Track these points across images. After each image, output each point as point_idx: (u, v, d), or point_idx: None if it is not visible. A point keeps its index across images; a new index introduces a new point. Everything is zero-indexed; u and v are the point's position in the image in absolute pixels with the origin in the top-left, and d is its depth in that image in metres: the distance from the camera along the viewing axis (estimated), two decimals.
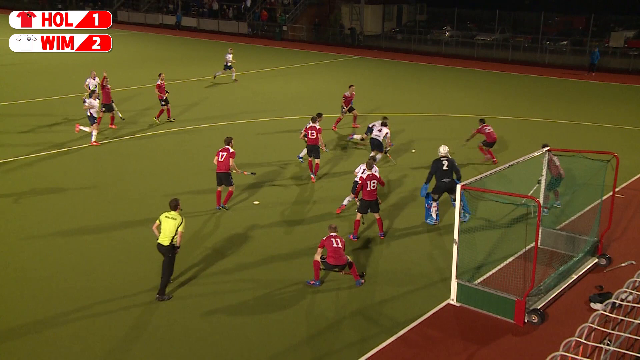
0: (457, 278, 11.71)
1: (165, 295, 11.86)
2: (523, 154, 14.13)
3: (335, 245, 11.89)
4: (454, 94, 32.09)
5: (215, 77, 33.74)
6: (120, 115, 23.91)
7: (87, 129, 21.53)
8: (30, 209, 15.91)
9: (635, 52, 43.83)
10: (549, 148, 14.39)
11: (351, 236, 14.44)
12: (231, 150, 15.81)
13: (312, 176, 18.35)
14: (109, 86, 23.27)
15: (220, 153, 15.77)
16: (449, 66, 42.80)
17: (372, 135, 19.60)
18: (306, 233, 14.76)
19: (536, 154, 13.79)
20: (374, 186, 14.20)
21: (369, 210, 14.42)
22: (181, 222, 11.68)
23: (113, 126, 23.50)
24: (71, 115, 24.92)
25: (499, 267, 13.14)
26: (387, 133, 19.47)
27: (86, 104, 21.53)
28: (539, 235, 12.08)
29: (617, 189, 14.86)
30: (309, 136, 18.23)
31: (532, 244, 11.91)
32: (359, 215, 14.46)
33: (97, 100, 21.58)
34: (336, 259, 11.94)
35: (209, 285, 12.33)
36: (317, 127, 18.26)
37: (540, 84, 36.50)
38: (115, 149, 21.17)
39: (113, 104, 23.33)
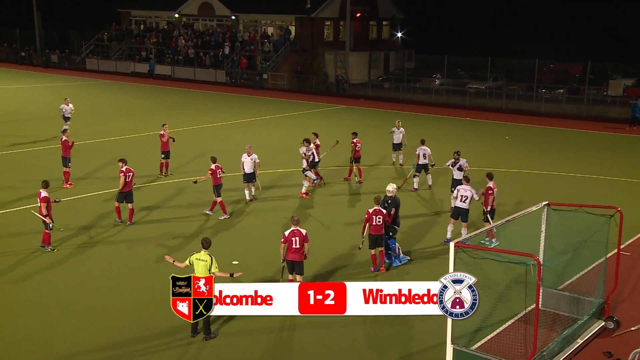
0: (452, 343, 11.55)
1: (212, 334, 12.66)
2: (520, 208, 14.18)
3: (294, 245, 13.88)
4: (444, 144, 32.39)
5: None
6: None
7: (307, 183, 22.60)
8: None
9: (635, 101, 44.80)
10: (547, 202, 14.47)
11: (372, 269, 15.98)
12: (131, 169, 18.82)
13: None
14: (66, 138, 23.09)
15: (128, 174, 18.50)
16: (440, 115, 43.41)
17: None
18: None
19: (534, 208, 13.83)
20: (379, 221, 15.58)
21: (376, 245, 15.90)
22: (211, 263, 12.18)
23: (68, 185, 22.99)
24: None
25: (498, 330, 13.01)
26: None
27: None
28: (540, 296, 12.00)
29: (622, 246, 14.89)
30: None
31: (533, 306, 11.83)
32: (372, 251, 15.96)
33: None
34: (294, 255, 13.97)
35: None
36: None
37: (537, 133, 37.09)
38: None
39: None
